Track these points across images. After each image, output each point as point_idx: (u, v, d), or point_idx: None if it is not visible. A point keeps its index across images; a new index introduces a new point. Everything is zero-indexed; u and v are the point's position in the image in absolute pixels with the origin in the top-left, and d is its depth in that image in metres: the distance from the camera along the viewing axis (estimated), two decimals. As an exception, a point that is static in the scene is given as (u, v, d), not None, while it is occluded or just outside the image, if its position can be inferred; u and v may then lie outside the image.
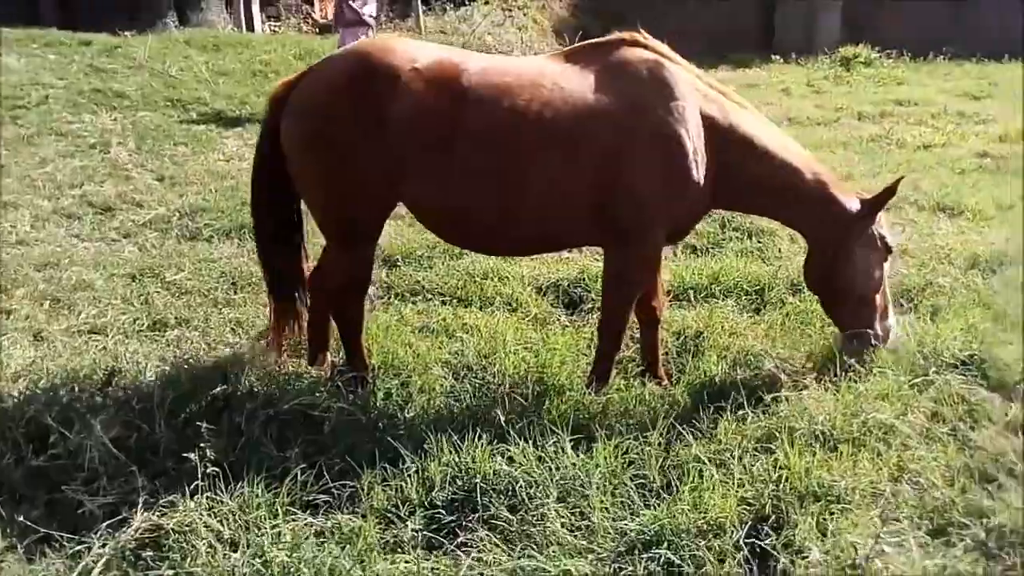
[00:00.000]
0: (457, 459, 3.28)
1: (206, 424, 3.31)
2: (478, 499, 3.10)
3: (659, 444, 3.40)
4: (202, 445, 3.12)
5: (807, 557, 2.79)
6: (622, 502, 3.11)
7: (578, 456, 3.31)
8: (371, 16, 9.83)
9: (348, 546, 2.88)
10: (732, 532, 2.91)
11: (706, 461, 3.24)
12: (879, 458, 3.30)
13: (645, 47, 3.85)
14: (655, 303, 4.20)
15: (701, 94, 3.82)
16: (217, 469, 3.07)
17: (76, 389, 3.77)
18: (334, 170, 3.77)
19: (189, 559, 2.75)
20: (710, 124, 3.78)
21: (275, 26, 15.15)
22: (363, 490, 3.16)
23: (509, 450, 3.31)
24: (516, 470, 3.20)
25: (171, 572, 2.72)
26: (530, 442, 3.34)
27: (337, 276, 4.02)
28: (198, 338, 4.57)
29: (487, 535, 2.97)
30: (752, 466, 3.22)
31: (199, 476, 3.03)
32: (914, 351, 4.01)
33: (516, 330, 4.60)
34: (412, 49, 3.78)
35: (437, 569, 2.85)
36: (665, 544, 2.87)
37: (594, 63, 3.80)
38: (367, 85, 3.65)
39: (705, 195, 3.85)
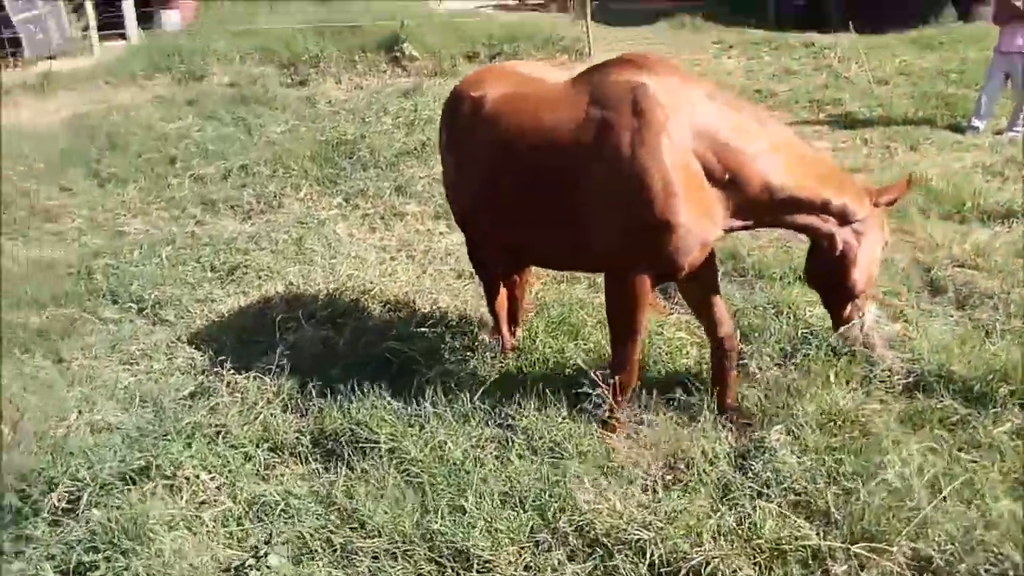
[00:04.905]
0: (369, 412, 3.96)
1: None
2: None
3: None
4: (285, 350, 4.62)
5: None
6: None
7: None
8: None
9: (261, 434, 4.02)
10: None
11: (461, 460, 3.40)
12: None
13: (644, 68, 3.51)
14: (720, 332, 3.92)
15: (701, 118, 3.40)
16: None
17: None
18: (443, 171, 4.64)
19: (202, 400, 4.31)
20: (711, 149, 3.39)
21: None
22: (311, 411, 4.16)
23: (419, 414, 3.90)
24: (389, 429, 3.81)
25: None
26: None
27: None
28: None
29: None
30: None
31: (276, 358, 4.53)
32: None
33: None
34: (490, 76, 4.23)
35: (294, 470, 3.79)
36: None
37: (588, 86, 3.64)
38: (451, 107, 4.35)
39: (703, 223, 3.44)
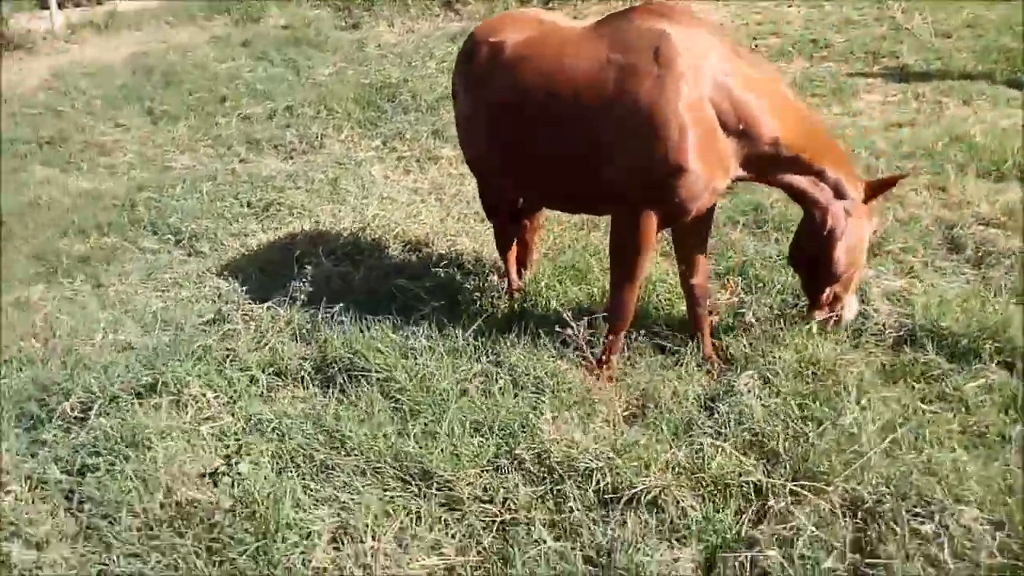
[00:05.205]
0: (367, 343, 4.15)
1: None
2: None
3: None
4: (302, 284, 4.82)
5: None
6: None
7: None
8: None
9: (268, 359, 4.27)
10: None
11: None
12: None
13: (666, 16, 3.57)
14: (693, 280, 4.02)
15: (720, 68, 3.47)
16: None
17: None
18: (456, 117, 4.72)
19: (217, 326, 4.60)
20: (728, 99, 3.47)
21: None
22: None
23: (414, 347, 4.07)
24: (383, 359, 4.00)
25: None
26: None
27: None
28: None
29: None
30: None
31: (290, 290, 4.77)
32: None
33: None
34: (508, 22, 4.29)
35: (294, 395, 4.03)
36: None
37: (610, 32, 3.70)
38: (467, 52, 4.40)
39: (715, 171, 3.55)
